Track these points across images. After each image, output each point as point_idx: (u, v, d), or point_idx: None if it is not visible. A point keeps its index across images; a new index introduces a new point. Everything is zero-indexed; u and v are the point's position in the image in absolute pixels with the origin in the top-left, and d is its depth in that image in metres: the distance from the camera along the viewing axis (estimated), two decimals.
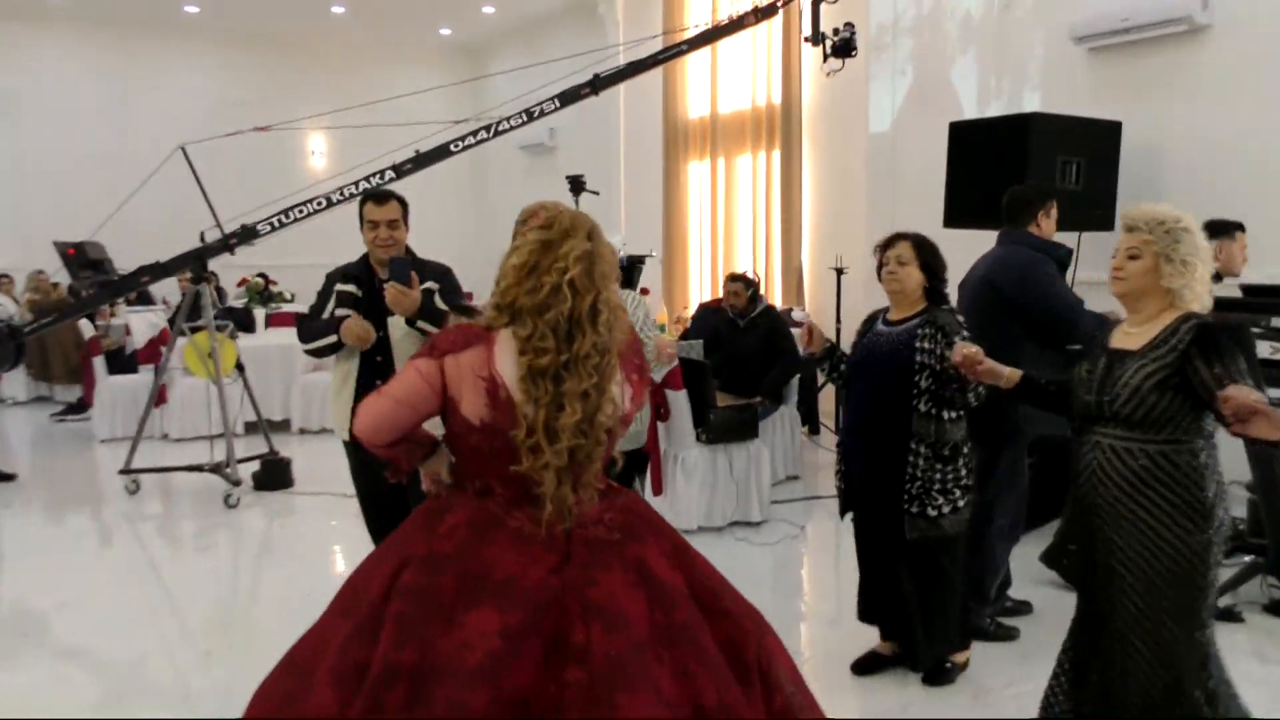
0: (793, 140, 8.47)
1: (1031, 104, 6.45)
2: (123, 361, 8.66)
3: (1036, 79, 6.53)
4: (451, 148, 6.04)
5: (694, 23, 9.33)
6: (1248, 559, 4.36)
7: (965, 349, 3.00)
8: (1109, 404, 2.59)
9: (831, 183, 8.38)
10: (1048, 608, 4.17)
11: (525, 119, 6.00)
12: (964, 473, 3.38)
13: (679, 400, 5.30)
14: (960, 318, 3.41)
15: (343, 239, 5.77)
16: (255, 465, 6.57)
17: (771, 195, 8.79)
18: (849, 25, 5.84)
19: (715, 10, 9.24)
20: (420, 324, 3.39)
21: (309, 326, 3.67)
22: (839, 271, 7.41)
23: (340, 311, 3.57)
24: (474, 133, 6.04)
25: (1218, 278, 3.43)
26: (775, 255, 8.76)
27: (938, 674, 3.61)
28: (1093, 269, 5.69)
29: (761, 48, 8.71)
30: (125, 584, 4.89)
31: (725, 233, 9.24)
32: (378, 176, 6.06)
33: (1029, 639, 3.96)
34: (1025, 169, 5.18)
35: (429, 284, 3.53)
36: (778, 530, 5.37)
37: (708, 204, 9.53)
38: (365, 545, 5.47)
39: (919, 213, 7.36)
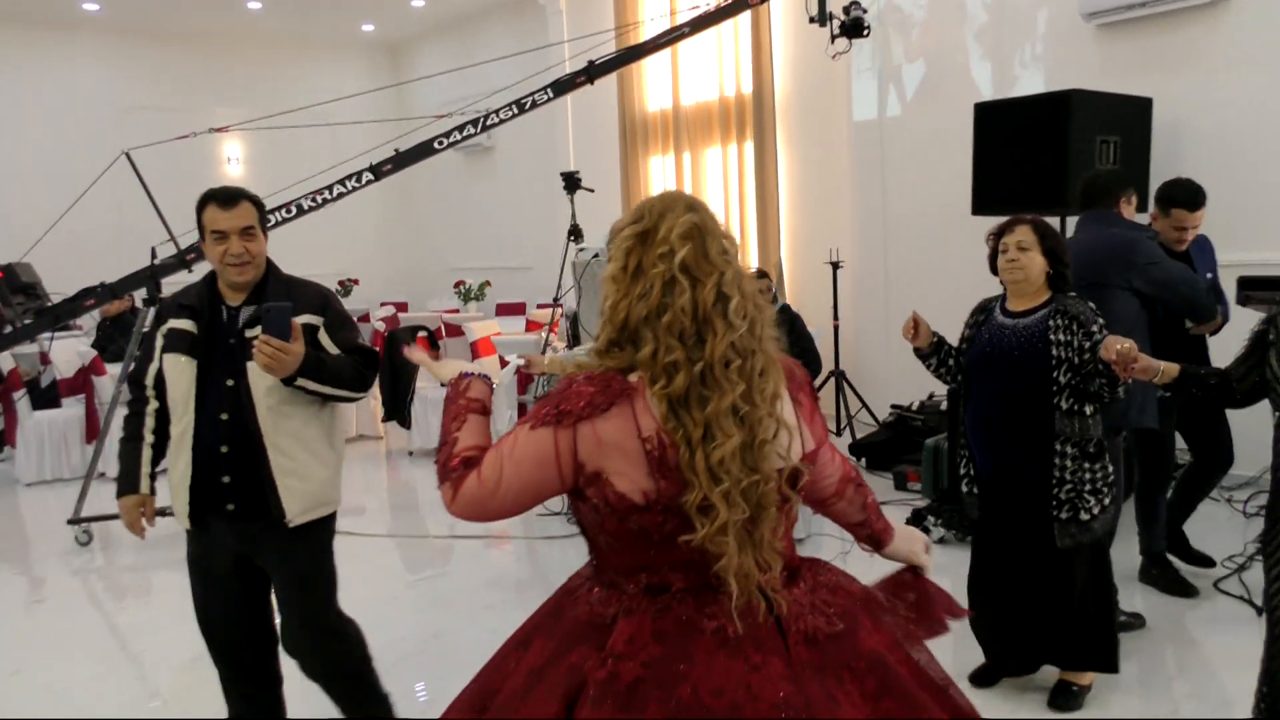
0: (766, 131, 8.14)
1: (1034, 84, 6.24)
2: (39, 394, 7.81)
3: (1039, 58, 6.32)
4: (436, 145, 5.51)
5: (648, 14, 8.97)
6: None
7: (1119, 345, 2.71)
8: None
9: (810, 174, 8.07)
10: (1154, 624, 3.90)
11: (516, 111, 5.50)
12: (1110, 469, 3.15)
13: None
14: (1092, 305, 3.15)
15: (302, 248, 5.29)
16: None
17: (745, 188, 8.44)
18: (856, 4, 5.50)
19: None
20: (302, 382, 2.56)
21: (126, 430, 2.77)
22: (835, 266, 7.09)
23: (170, 364, 2.63)
24: (460, 128, 5.51)
25: None
26: (751, 250, 8.41)
27: (1064, 696, 3.29)
28: None
29: (728, 36, 8.34)
30: (88, 646, 4.27)
31: None
32: (354, 179, 5.48)
33: (1141, 654, 3.67)
34: (1066, 149, 4.92)
35: (308, 318, 2.65)
36: (825, 546, 4.99)
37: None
38: (372, 586, 5.13)
39: (914, 201, 7.13)
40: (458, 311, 10.95)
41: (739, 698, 1.50)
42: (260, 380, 2.59)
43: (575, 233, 6.26)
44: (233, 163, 12.62)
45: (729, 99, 8.50)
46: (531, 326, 8.39)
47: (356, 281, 12.54)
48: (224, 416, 2.61)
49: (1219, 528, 4.78)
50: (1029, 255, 3.13)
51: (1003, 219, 3.27)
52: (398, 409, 7.67)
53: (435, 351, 7.33)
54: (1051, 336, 3.07)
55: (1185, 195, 3.95)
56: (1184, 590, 4.13)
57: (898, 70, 7.10)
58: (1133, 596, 4.17)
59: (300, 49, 12.77)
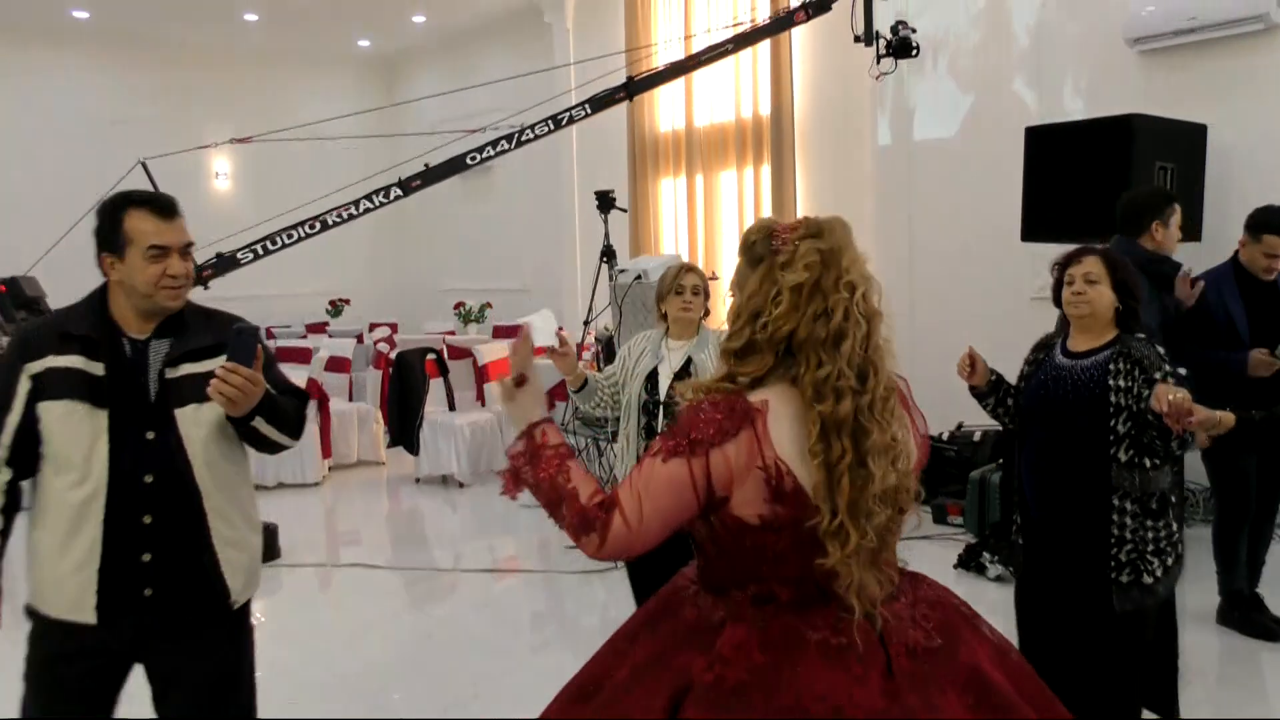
0: (784, 154, 7.98)
1: (1075, 111, 6.12)
2: None
3: (1080, 84, 6.21)
4: (469, 160, 5.28)
5: (663, 35, 8.82)
6: None
7: (1171, 395, 2.44)
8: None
9: (831, 198, 7.91)
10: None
11: (552, 126, 5.30)
12: (1175, 526, 2.81)
13: None
14: (1161, 349, 2.82)
15: (287, 267, 5.01)
16: None
17: (762, 213, 8.25)
18: (902, 23, 5.36)
19: (688, 16, 8.69)
20: (257, 423, 2.18)
21: None
22: None
23: (58, 415, 2.09)
24: (494, 143, 5.29)
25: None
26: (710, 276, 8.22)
27: None
28: None
29: (745, 56, 8.18)
30: None
31: (707, 254, 8.66)
32: (382, 195, 5.24)
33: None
34: (1130, 175, 4.78)
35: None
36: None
37: (684, 223, 8.94)
38: (399, 621, 4.84)
39: (942, 227, 7.00)
40: (454, 333, 10.70)
41: (841, 704, 1.55)
42: (195, 430, 2.15)
43: (609, 254, 6.05)
44: (220, 178, 12.30)
45: (746, 120, 8.34)
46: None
47: (348, 301, 12.24)
48: (148, 479, 2.11)
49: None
50: (1097, 289, 2.81)
51: (1067, 247, 3.00)
52: (406, 434, 7.43)
53: (441, 374, 6.73)
54: (1111, 382, 2.75)
55: (1277, 221, 3.79)
56: (1268, 634, 3.96)
57: (926, 95, 6.98)
58: (1209, 640, 4.01)
59: (294, 64, 12.49)
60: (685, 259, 8.83)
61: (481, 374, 7.67)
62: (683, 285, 3.51)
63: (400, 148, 12.24)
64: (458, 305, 10.28)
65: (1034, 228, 5.25)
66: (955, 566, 4.93)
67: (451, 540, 6.28)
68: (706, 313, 3.67)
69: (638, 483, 1.61)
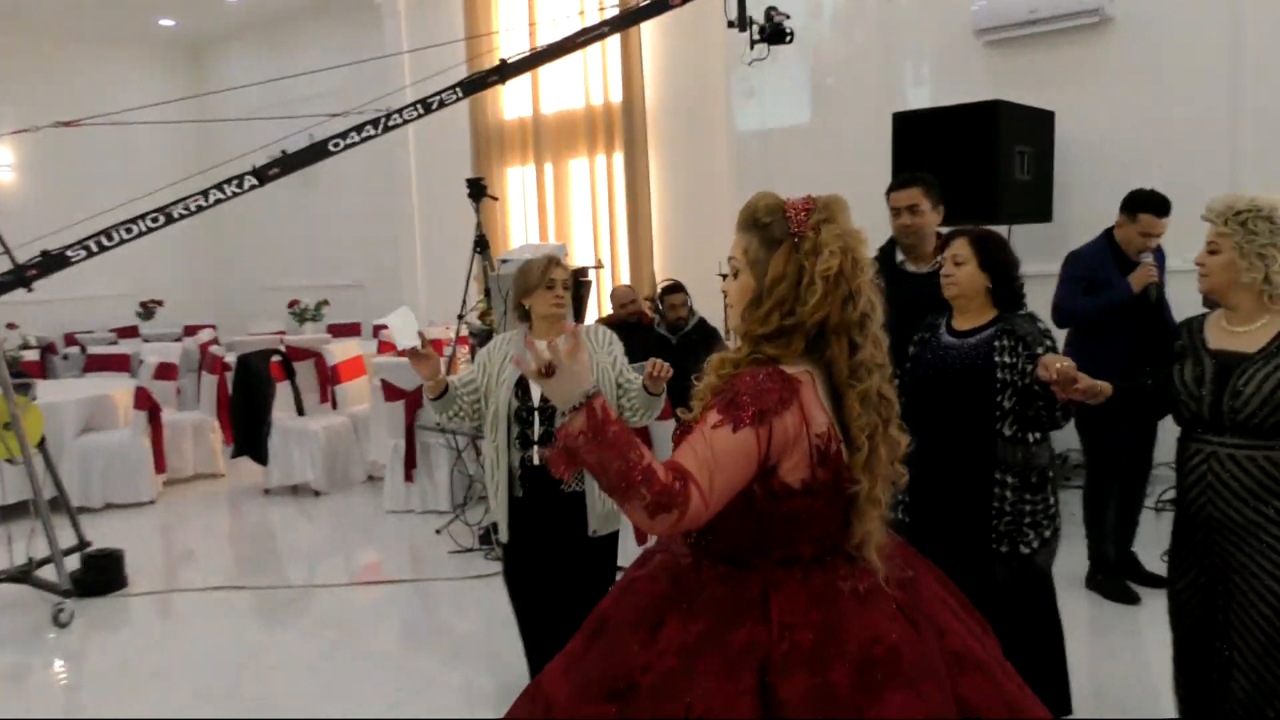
0: (637, 141, 7.93)
1: (923, 99, 6.35)
2: None
3: (928, 72, 6.45)
4: (331, 146, 4.91)
5: (504, 22, 8.59)
6: None
7: (1057, 364, 2.54)
8: (1231, 412, 2.47)
9: (686, 186, 7.93)
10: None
11: (422, 111, 4.99)
12: (1053, 501, 2.91)
13: (663, 431, 4.60)
14: (1042, 324, 2.95)
15: (89, 267, 4.53)
16: (69, 562, 5.02)
17: (615, 201, 8.19)
18: (774, 9, 5.37)
19: (532, 2, 8.49)
20: None
21: None
22: (725, 278, 6.94)
23: None
24: (358, 128, 4.94)
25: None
26: (622, 264, 8.17)
27: None
28: (1030, 261, 5.64)
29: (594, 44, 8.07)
30: None
31: (559, 242, 8.49)
32: (234, 184, 4.80)
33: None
34: (995, 159, 4.99)
35: None
36: None
37: (534, 213, 8.75)
38: (259, 650, 4.48)
39: None
40: (284, 333, 10.08)
41: (894, 642, 1.67)
42: None
43: (481, 244, 5.79)
44: (2, 169, 11.11)
45: (596, 108, 8.24)
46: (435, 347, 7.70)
47: (160, 303, 11.33)
48: None
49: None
50: (964, 270, 2.90)
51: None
52: (253, 443, 6.91)
53: (287, 376, 6.11)
54: (996, 358, 2.84)
55: (1155, 201, 4.03)
56: (1127, 598, 4.18)
57: (781, 82, 7.07)
58: (1077, 603, 4.15)
59: (87, 43, 11.43)
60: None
61: (332, 375, 7.22)
62: (553, 280, 3.27)
63: (213, 138, 11.53)
64: (292, 303, 9.69)
65: None
66: None
67: (311, 554, 5.86)
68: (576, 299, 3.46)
69: (704, 455, 1.60)
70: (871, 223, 5.51)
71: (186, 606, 4.91)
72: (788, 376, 1.69)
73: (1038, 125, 5.42)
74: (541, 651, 3.34)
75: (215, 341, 9.45)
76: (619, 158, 8.10)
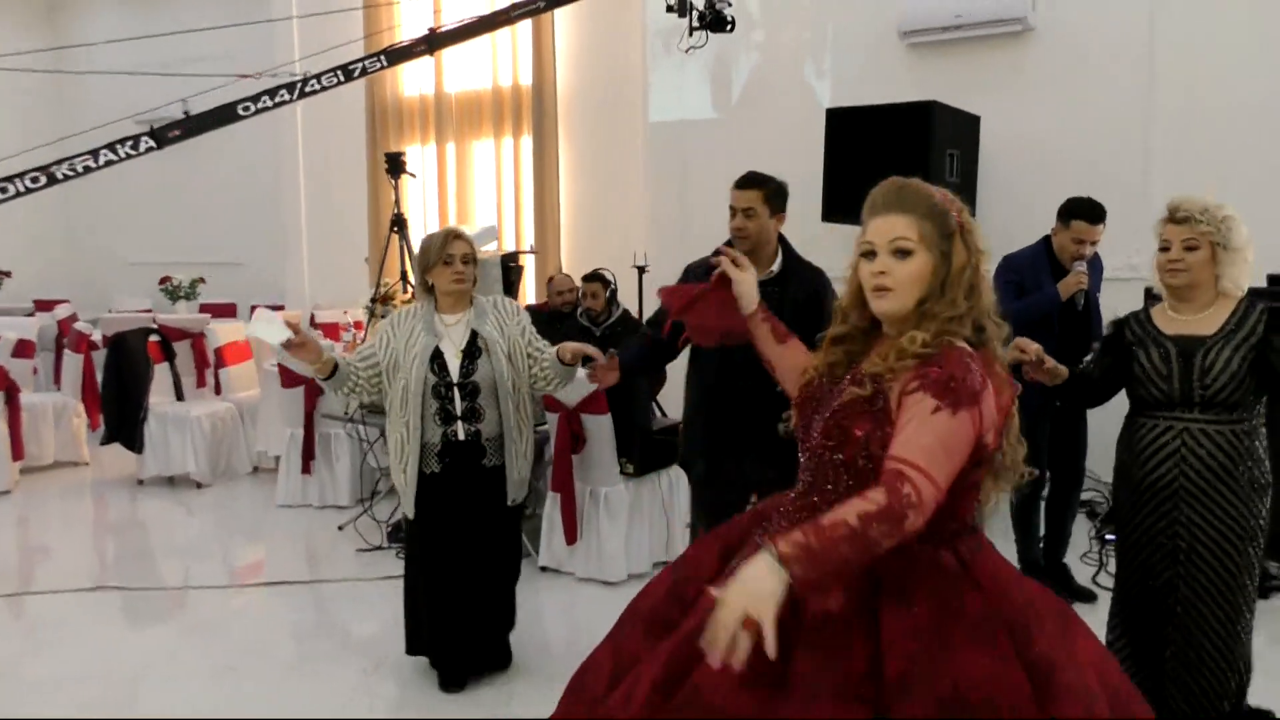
0: (546, 125, 7.70)
1: (846, 98, 6.33)
2: None
3: (851, 72, 6.44)
4: (241, 110, 4.52)
5: None
6: None
7: (1029, 345, 2.69)
8: (1201, 389, 2.68)
9: (597, 174, 7.73)
10: None
11: (342, 78, 4.64)
12: None
13: (599, 426, 4.42)
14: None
15: None
16: None
17: (522, 185, 7.93)
18: None
19: None
20: None
21: None
22: (641, 270, 6.80)
23: None
24: (271, 92, 4.56)
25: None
26: (527, 250, 7.91)
27: None
28: None
29: None
30: None
31: (460, 224, 8.16)
32: (129, 145, 4.37)
33: None
34: (927, 160, 4.99)
35: None
36: None
37: (434, 194, 8.39)
38: (142, 657, 3.83)
39: (717, 206, 7.00)
40: (150, 311, 9.38)
41: (1032, 597, 1.78)
42: None
43: (399, 223, 5.46)
44: None
45: (504, 89, 7.95)
46: (329, 333, 7.23)
47: (8, 274, 10.40)
48: None
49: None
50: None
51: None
52: (127, 429, 6.36)
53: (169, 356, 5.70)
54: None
55: (1087, 208, 4.06)
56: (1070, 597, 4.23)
57: (701, 73, 6.96)
58: None
59: None
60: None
61: (217, 359, 6.73)
62: (451, 255, 3.33)
63: (71, 102, 10.68)
64: (164, 280, 9.02)
65: (836, 207, 5.35)
66: None
67: (192, 551, 5.37)
68: (474, 280, 3.43)
69: (928, 443, 1.63)
70: (794, 217, 5.44)
71: (49, 609, 4.44)
72: (978, 354, 1.77)
73: (966, 129, 5.47)
74: (439, 621, 3.49)
75: (75, 318, 8.71)
76: (527, 141, 7.84)
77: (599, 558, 4.47)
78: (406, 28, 7.50)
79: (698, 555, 1.97)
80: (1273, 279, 4.20)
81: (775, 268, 3.39)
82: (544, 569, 4.66)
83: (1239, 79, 5.30)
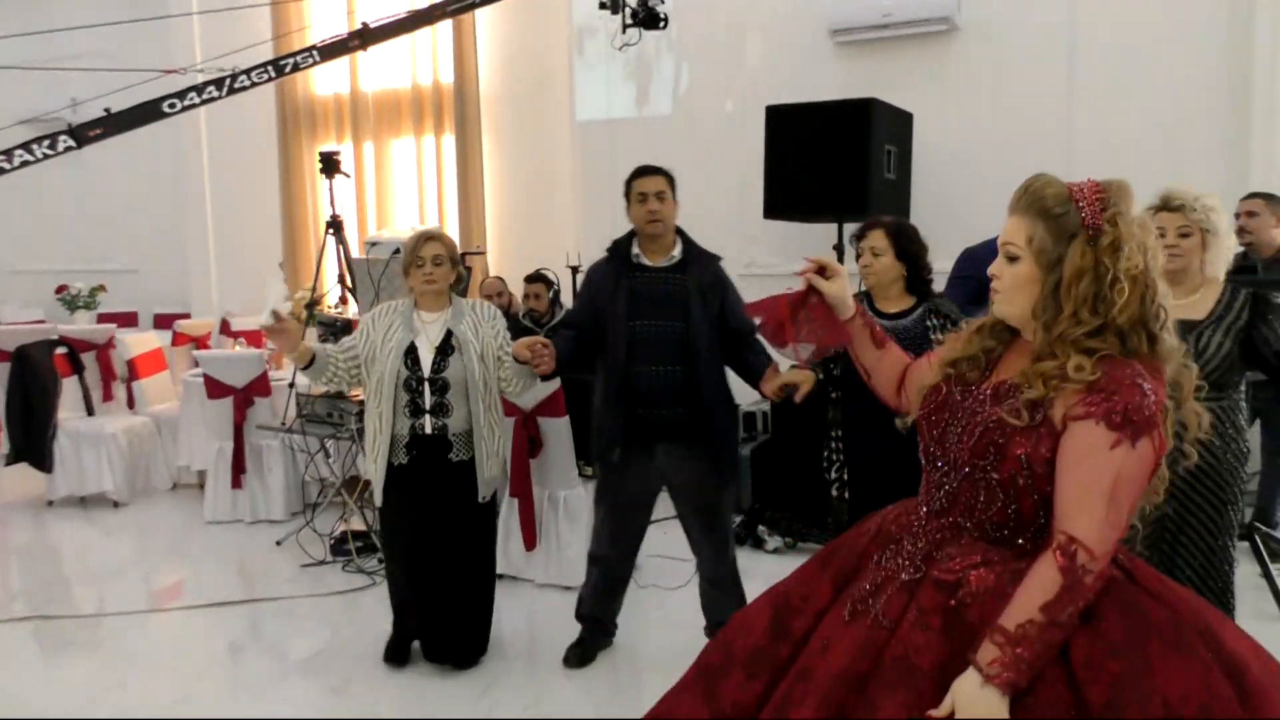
0: (469, 124, 7.55)
1: (777, 95, 6.38)
2: None
3: (780, 69, 6.49)
4: (167, 107, 4.28)
5: None
6: None
7: None
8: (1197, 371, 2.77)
9: (524, 173, 7.61)
10: None
11: (273, 74, 4.45)
12: None
13: (557, 429, 4.34)
14: (954, 307, 3.27)
15: None
16: None
17: (444, 186, 7.77)
18: None
19: None
20: None
21: None
22: (574, 270, 6.72)
23: None
24: (198, 88, 4.33)
25: None
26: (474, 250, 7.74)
27: None
28: None
29: None
30: None
31: (379, 227, 7.95)
32: (46, 145, 4.10)
33: None
34: (867, 157, 5.06)
35: None
36: (669, 570, 4.60)
37: (351, 195, 8.13)
38: (83, 689, 3.56)
39: None
40: (44, 322, 8.86)
41: (1189, 597, 1.74)
42: None
43: (335, 225, 5.26)
44: None
45: (424, 87, 7.77)
46: (252, 340, 6.87)
47: None
48: None
49: None
50: (881, 260, 3.19)
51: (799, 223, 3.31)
52: (34, 447, 5.97)
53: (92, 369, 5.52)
54: (932, 336, 3.08)
55: None
56: None
57: (627, 72, 6.92)
58: None
59: None
60: (354, 234, 8.08)
61: (129, 371, 6.38)
62: (421, 257, 3.45)
63: None
64: (61, 289, 8.52)
65: (777, 205, 5.38)
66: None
67: (113, 573, 5.05)
68: (459, 280, 3.60)
69: (1108, 487, 1.55)
70: (727, 216, 5.49)
71: None
72: (1147, 366, 1.63)
73: (901, 126, 5.56)
74: (411, 607, 3.60)
75: None
76: (449, 140, 7.68)
77: (559, 563, 4.39)
78: (319, 28, 7.29)
79: (805, 585, 1.82)
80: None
81: (676, 254, 3.50)
82: (501, 576, 4.55)
83: (1158, 72, 5.52)
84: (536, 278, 5.44)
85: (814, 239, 5.79)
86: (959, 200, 5.69)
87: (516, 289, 6.44)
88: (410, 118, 7.86)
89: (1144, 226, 1.67)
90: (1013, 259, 1.71)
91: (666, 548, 4.88)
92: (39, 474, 6.05)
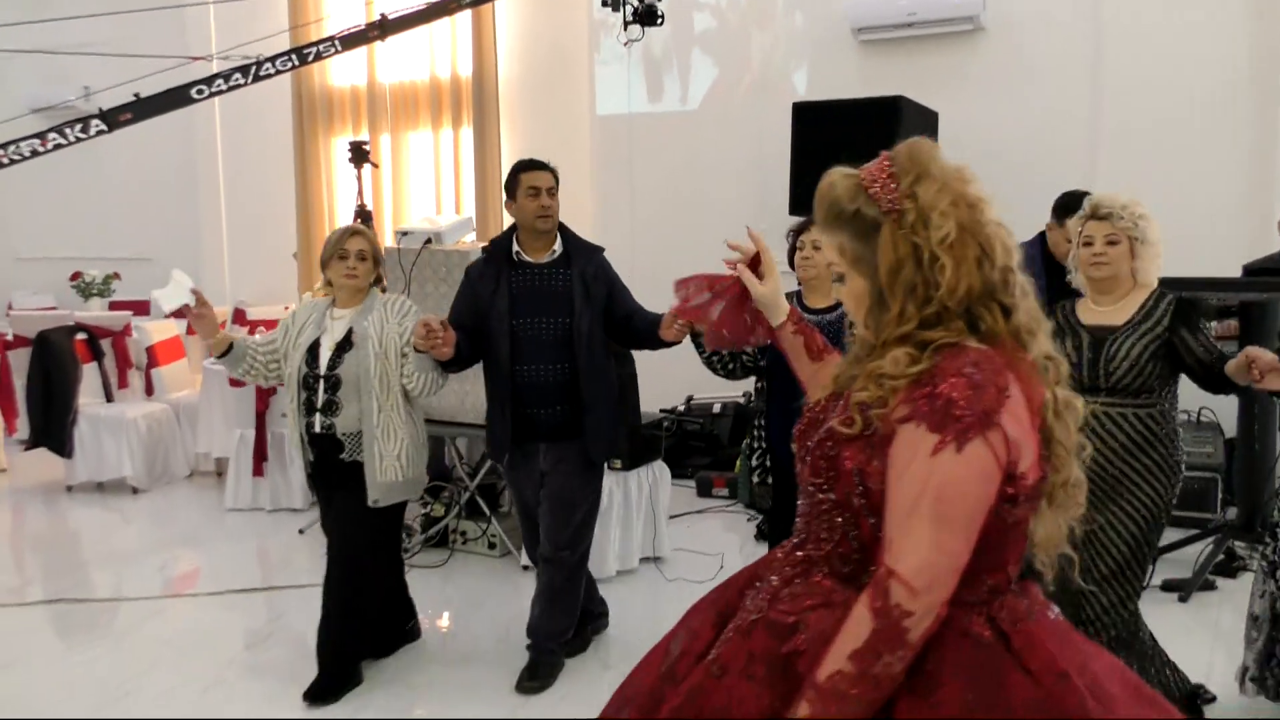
0: (488, 117, 7.53)
1: (799, 92, 6.40)
2: None
3: (801, 67, 6.50)
4: (195, 93, 4.29)
5: None
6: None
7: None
8: (1107, 376, 2.81)
9: None
10: None
11: (296, 62, 4.46)
12: None
13: None
14: None
15: None
16: None
17: (461, 178, 7.76)
18: None
19: None
20: None
21: None
22: None
23: None
24: (224, 74, 4.33)
25: None
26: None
27: None
28: None
29: None
30: None
31: (395, 217, 7.94)
32: (78, 128, 4.10)
33: None
34: None
35: None
36: (697, 564, 4.60)
37: (368, 186, 8.10)
38: (108, 674, 3.50)
39: (667, 199, 6.99)
40: (56, 309, 8.86)
41: (1121, 677, 1.45)
42: None
43: (364, 215, 5.26)
44: None
45: (442, 80, 7.75)
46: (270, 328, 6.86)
47: None
48: None
49: None
50: (819, 254, 3.22)
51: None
52: (54, 433, 5.98)
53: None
54: (846, 336, 3.02)
55: (1078, 206, 4.04)
56: None
57: (647, 67, 6.93)
58: None
59: None
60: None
61: (149, 358, 6.39)
62: (346, 250, 3.37)
63: None
64: (75, 276, 8.53)
65: (803, 201, 5.37)
66: (756, 538, 4.95)
67: (133, 558, 5.07)
68: (379, 279, 3.51)
69: (931, 505, 1.29)
70: (748, 213, 5.52)
71: (5, 623, 4.15)
72: (993, 355, 1.37)
73: (926, 124, 5.57)
74: (329, 618, 3.44)
75: None
76: (467, 133, 7.67)
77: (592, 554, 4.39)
78: (335, 19, 7.29)
79: (692, 625, 1.62)
80: (1250, 270, 4.27)
81: (558, 249, 3.48)
82: (526, 568, 4.57)
83: (1184, 73, 5.52)
84: None
85: None
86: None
87: None
88: (428, 110, 7.85)
89: (958, 179, 1.44)
90: (839, 278, 1.54)
91: (691, 542, 4.91)
92: (58, 459, 6.06)
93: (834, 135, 5.24)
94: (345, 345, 3.34)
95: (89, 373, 6.17)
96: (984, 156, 5.72)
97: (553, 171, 3.47)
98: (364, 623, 3.47)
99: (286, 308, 6.38)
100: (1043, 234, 4.22)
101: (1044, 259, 4.11)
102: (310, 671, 3.46)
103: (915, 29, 5.98)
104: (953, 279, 1.38)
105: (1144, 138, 5.54)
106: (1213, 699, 3.12)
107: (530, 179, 3.43)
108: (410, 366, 3.31)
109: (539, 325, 3.38)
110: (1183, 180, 5.37)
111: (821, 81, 6.31)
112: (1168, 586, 4.10)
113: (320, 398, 3.32)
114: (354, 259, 3.36)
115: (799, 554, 1.50)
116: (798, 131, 5.40)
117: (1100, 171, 5.61)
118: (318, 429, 3.34)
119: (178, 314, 4.44)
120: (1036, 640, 1.38)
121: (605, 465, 4.39)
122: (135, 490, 6.03)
